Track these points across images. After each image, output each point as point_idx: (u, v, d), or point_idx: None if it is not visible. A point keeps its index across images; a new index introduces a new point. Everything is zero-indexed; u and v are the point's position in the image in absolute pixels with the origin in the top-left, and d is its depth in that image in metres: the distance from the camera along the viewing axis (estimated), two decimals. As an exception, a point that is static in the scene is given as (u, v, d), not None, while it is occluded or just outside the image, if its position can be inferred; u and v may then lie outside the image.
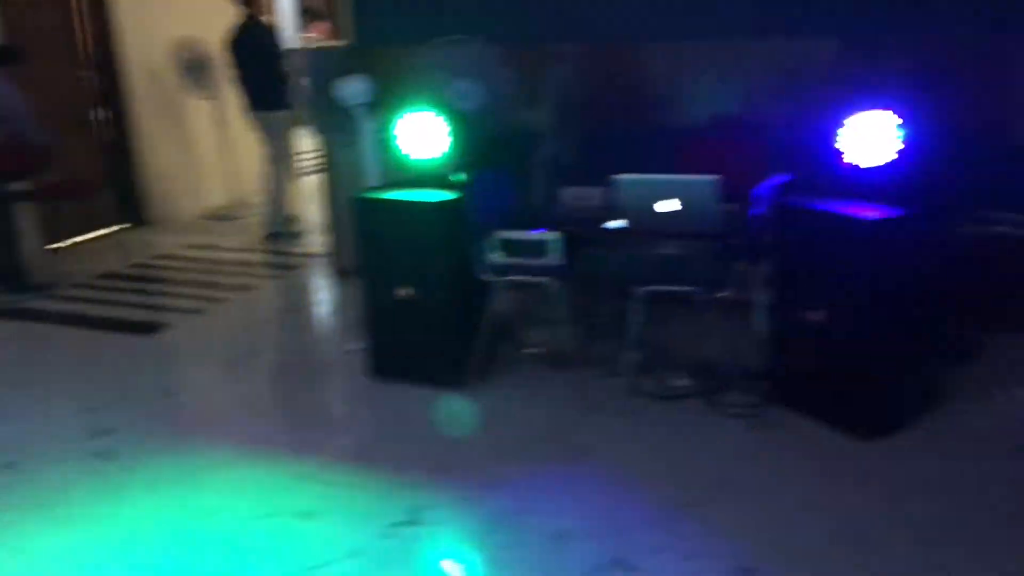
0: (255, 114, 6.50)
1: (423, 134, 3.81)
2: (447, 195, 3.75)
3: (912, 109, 3.10)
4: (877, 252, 3.09)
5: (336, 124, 4.25)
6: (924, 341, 3.37)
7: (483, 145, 3.93)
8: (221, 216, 7.37)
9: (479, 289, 3.84)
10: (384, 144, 4.06)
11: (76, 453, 3.51)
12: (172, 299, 5.49)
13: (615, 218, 3.54)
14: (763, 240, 3.32)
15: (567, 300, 3.64)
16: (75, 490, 3.24)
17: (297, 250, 6.45)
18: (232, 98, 7.17)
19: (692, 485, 3.09)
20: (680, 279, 3.41)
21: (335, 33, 5.78)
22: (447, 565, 2.78)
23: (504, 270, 3.64)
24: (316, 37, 9.20)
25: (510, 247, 3.59)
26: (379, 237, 3.83)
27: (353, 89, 4.01)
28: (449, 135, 3.79)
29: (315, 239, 6.48)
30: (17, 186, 5.63)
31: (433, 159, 3.84)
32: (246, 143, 7.21)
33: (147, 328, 4.96)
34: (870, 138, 3.23)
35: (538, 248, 3.53)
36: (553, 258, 3.52)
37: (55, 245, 6.45)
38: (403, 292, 3.80)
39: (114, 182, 6.98)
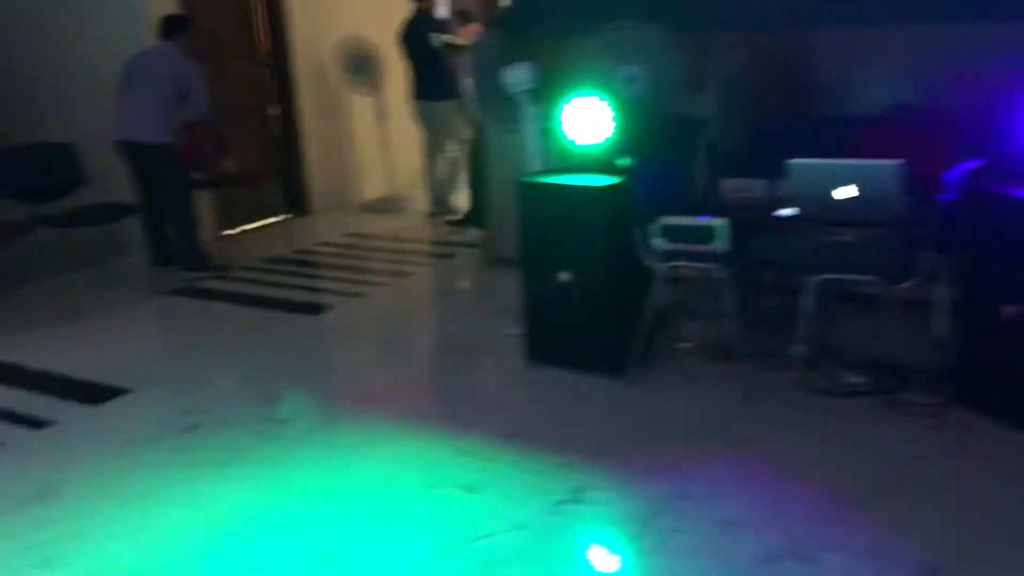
0: (420, 103, 6.74)
1: (588, 120, 3.82)
2: (610, 180, 3.74)
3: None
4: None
5: (500, 112, 4.30)
6: None
7: (647, 131, 3.89)
8: (379, 207, 7.61)
9: (640, 276, 3.80)
10: (548, 131, 4.09)
11: (251, 419, 3.70)
12: (333, 283, 5.71)
13: (785, 206, 3.43)
14: (953, 228, 3.13)
15: (731, 290, 3.54)
16: (250, 452, 3.41)
17: (454, 238, 6.57)
18: (392, 93, 7.42)
19: (866, 482, 2.95)
20: (858, 268, 3.26)
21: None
22: (613, 545, 2.76)
23: (668, 256, 3.59)
24: (468, 38, 9.42)
25: (674, 233, 3.54)
26: (541, 221, 3.85)
27: (519, 76, 4.06)
28: (613, 121, 3.77)
29: (470, 229, 6.61)
30: (197, 174, 6.01)
31: (597, 144, 3.83)
32: (405, 137, 7.43)
33: (311, 309, 5.18)
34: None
35: (704, 234, 3.46)
36: (719, 245, 3.44)
37: (227, 232, 6.83)
38: (563, 277, 3.81)
39: (280, 174, 7.33)
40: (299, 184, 7.47)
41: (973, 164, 3.21)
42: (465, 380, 4.14)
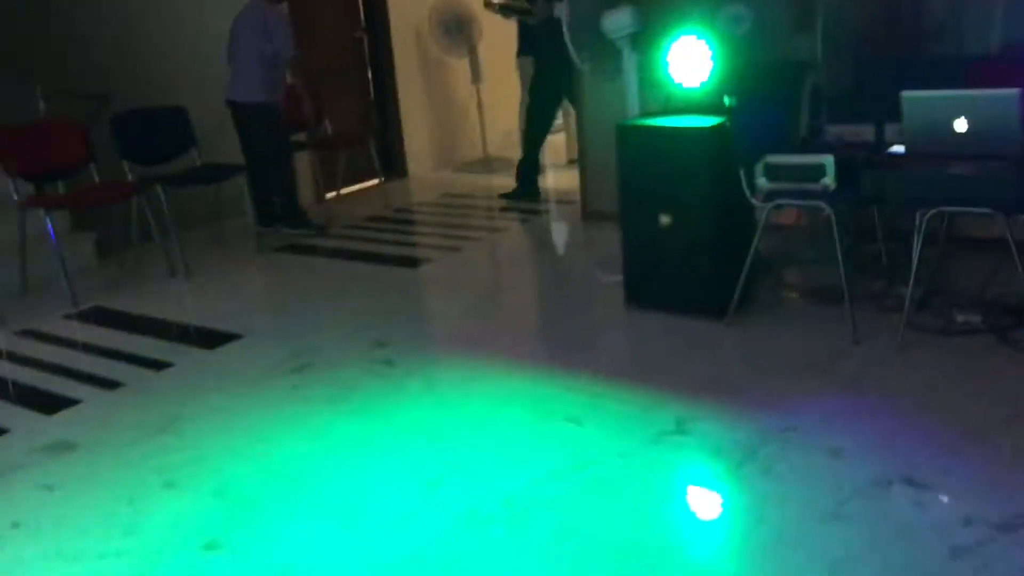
0: (518, 60, 6.83)
1: (691, 60, 3.79)
2: (713, 120, 3.71)
3: None
4: None
5: (600, 59, 4.29)
6: None
7: (752, 72, 3.84)
8: (476, 168, 7.70)
9: (742, 218, 3.76)
10: (649, 76, 4.07)
11: (359, 359, 3.82)
12: (431, 238, 5.81)
13: (899, 141, 3.35)
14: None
15: (839, 230, 3.48)
16: (360, 388, 3.53)
17: (546, 196, 6.60)
18: (487, 55, 7.47)
19: (979, 415, 2.88)
20: (975, 200, 3.16)
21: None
22: (718, 471, 2.77)
23: (774, 196, 3.54)
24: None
25: (780, 172, 3.49)
26: (641, 165, 3.84)
27: (620, 20, 4.04)
28: (716, 61, 3.74)
29: (564, 186, 6.63)
30: (296, 136, 6.19)
31: (700, 86, 3.80)
32: (500, 98, 7.48)
33: (411, 262, 5.30)
34: None
35: (811, 172, 3.40)
36: (827, 182, 3.38)
37: (328, 194, 7.02)
38: (664, 219, 3.80)
39: (378, 138, 7.48)
40: (396, 147, 7.60)
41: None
42: (566, 324, 4.18)
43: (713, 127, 3.67)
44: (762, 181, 3.53)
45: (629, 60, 4.14)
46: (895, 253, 3.96)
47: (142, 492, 2.86)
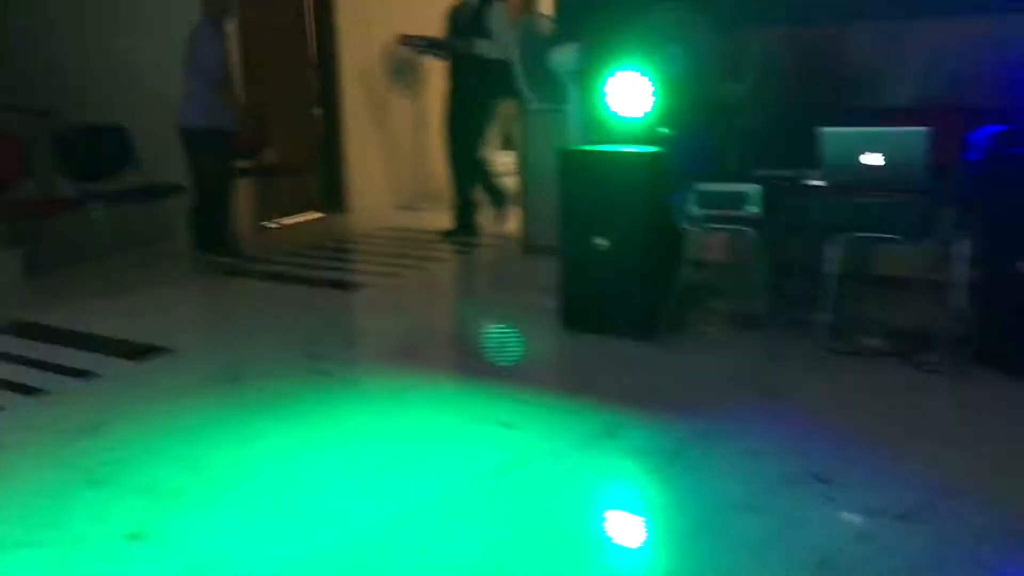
0: None
1: (630, 93, 4.00)
2: (649, 148, 3.91)
3: None
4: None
5: (546, 91, 4.49)
6: None
7: (687, 109, 4.06)
8: (418, 206, 7.82)
9: (675, 243, 3.94)
10: (590, 106, 4.26)
11: (295, 370, 3.84)
12: (370, 266, 5.88)
13: (817, 174, 3.58)
14: (976, 186, 3.27)
15: (763, 259, 3.69)
16: (295, 397, 3.54)
17: (486, 230, 6.71)
18: (432, 96, 7.66)
19: (884, 422, 3.10)
20: (883, 227, 3.40)
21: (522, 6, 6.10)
22: (643, 470, 2.87)
23: (702, 221, 3.73)
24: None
25: (710, 199, 3.69)
26: (581, 189, 4.01)
27: (565, 56, 4.24)
28: (654, 95, 3.95)
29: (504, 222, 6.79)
30: (239, 163, 6.21)
31: (638, 117, 4.01)
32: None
33: (348, 286, 5.36)
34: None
35: (737, 199, 3.61)
36: (752, 209, 3.59)
37: (267, 223, 7.05)
38: (602, 243, 3.95)
39: (322, 171, 7.57)
40: (339, 182, 7.70)
41: (998, 127, 3.35)
42: (501, 340, 4.28)
43: (650, 154, 3.87)
44: (693, 208, 3.72)
45: (573, 93, 4.34)
46: (812, 285, 4.19)
47: (66, 488, 2.80)
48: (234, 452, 3.07)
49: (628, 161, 3.91)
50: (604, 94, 4.03)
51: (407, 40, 6.59)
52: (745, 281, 3.84)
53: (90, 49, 5.95)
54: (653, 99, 3.95)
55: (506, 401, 3.41)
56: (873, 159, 3.36)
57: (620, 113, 4.03)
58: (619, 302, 4.00)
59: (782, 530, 2.43)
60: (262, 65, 6.88)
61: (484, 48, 5.69)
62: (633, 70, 3.98)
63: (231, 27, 5.84)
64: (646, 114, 3.99)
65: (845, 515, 2.51)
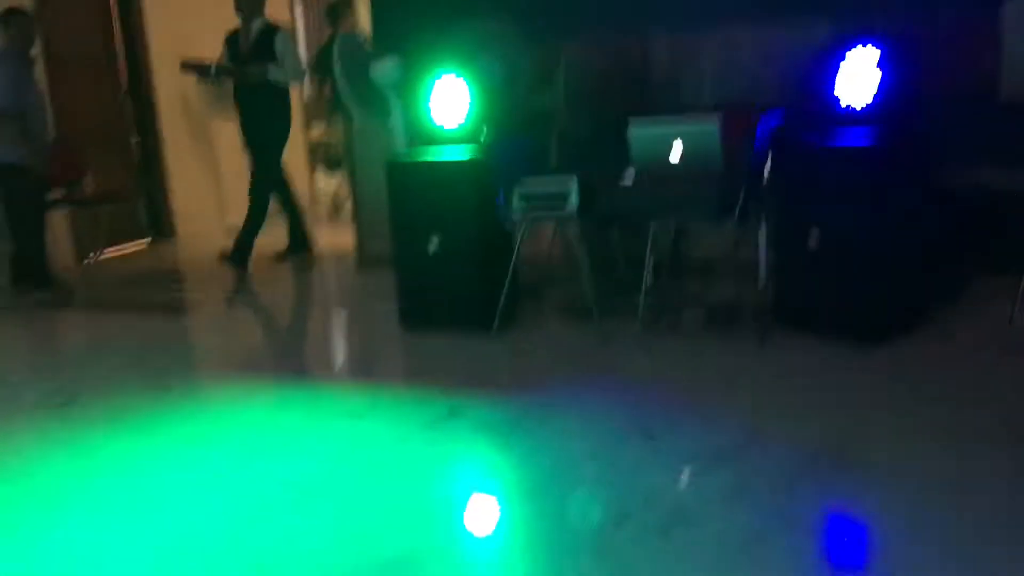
0: None
1: (450, 102, 4.21)
2: (470, 152, 4.13)
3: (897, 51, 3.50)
4: (866, 175, 3.46)
5: (370, 102, 4.63)
6: (913, 265, 3.70)
7: (506, 116, 4.32)
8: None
9: (504, 241, 4.17)
10: (413, 117, 4.45)
11: (133, 388, 3.79)
12: (201, 290, 5.80)
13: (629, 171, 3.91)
14: (763, 172, 3.69)
15: (586, 250, 3.99)
16: (135, 411, 3.50)
17: (321, 249, 6.74)
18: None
19: (701, 385, 3.44)
20: (686, 212, 3.76)
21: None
22: (488, 442, 3.06)
23: (526, 216, 3.99)
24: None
25: (532, 195, 3.94)
26: (410, 195, 4.17)
27: (386, 68, 4.41)
28: (472, 102, 4.19)
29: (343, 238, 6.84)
30: (54, 193, 5.97)
31: (458, 125, 4.23)
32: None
33: (181, 309, 5.31)
34: (858, 76, 3.66)
35: (556, 195, 3.89)
36: (571, 202, 3.87)
37: (90, 255, 6.78)
38: (433, 245, 4.13)
39: (146, 199, 7.36)
40: (163, 207, 7.51)
41: (777, 116, 3.80)
42: (343, 346, 4.38)
43: (471, 159, 4.09)
44: (517, 204, 3.97)
45: (395, 104, 4.51)
46: (634, 273, 4.55)
47: None
48: (66, 465, 3.03)
49: (451, 167, 4.12)
50: (426, 104, 4.22)
51: (191, 65, 6.14)
52: (577, 274, 4.12)
53: None
54: (472, 107, 4.18)
55: (351, 396, 3.52)
56: (675, 151, 3.72)
57: (441, 122, 4.24)
58: (454, 299, 4.19)
59: (611, 477, 2.68)
60: (73, 96, 6.66)
61: (276, 74, 5.59)
62: (452, 80, 4.20)
63: (35, 58, 5.63)
64: (466, 122, 4.22)
65: (666, 460, 2.78)
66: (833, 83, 3.82)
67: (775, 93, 4.51)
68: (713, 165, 3.67)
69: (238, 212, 7.83)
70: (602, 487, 2.62)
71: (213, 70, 5.92)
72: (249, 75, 5.68)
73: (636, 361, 3.76)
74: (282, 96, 5.77)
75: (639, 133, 3.79)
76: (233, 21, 5.81)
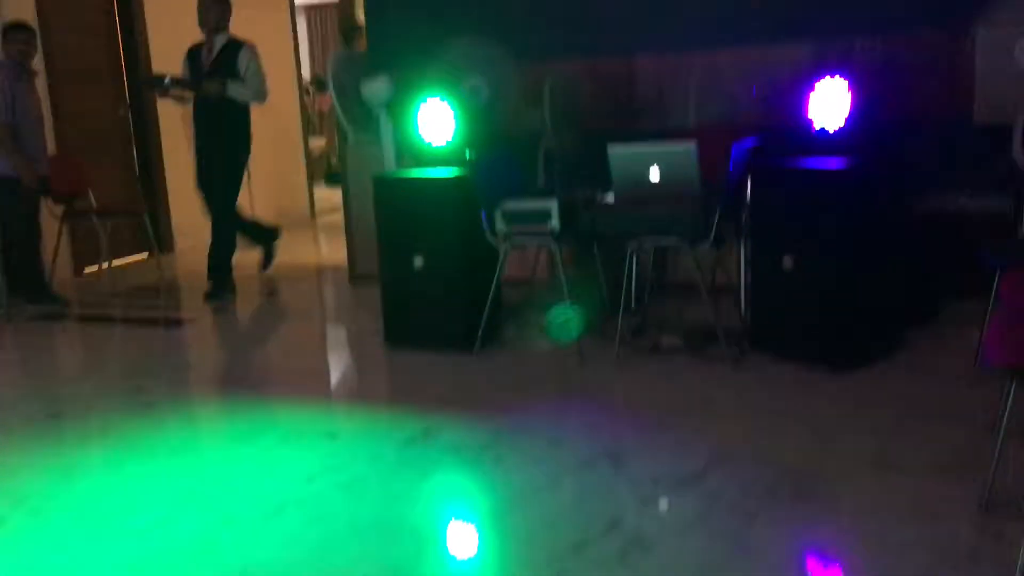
0: None
1: (437, 121, 4.28)
2: (456, 171, 4.19)
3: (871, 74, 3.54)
4: (840, 198, 3.50)
5: (362, 120, 4.70)
6: (886, 289, 3.72)
7: (492, 135, 4.38)
8: (242, 243, 7.77)
9: (488, 260, 4.22)
10: (402, 135, 4.51)
11: (118, 404, 3.84)
12: (195, 304, 5.85)
13: (608, 188, 3.96)
14: (739, 195, 3.73)
15: (564, 269, 4.03)
16: (120, 427, 3.57)
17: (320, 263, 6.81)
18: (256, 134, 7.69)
19: (672, 409, 3.47)
20: (666, 233, 3.80)
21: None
22: (458, 464, 3.10)
23: (509, 236, 4.04)
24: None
25: (515, 216, 3.99)
26: (396, 212, 4.23)
27: (377, 87, 4.47)
28: (459, 122, 4.25)
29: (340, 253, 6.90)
30: (56, 208, 6.07)
31: (445, 143, 4.29)
32: (269, 175, 7.70)
33: (173, 323, 5.37)
34: (831, 101, 3.70)
35: (540, 215, 3.94)
36: (552, 223, 3.92)
37: (89, 267, 6.87)
38: (418, 262, 4.18)
39: (144, 212, 7.44)
40: (163, 221, 7.60)
41: (752, 141, 3.84)
42: (326, 363, 4.43)
43: (456, 177, 4.15)
44: (500, 224, 4.02)
45: (385, 122, 4.57)
46: (618, 294, 4.59)
47: None
48: (56, 480, 3.09)
49: (437, 185, 4.17)
50: (415, 123, 4.29)
51: (147, 79, 5.98)
52: (559, 294, 4.17)
53: None
54: (458, 126, 4.24)
55: (329, 415, 3.58)
56: (653, 174, 3.76)
57: (429, 140, 4.30)
58: (436, 317, 4.24)
59: (577, 503, 2.72)
60: (76, 110, 6.78)
61: (235, 91, 5.34)
62: (440, 100, 4.26)
63: (36, 72, 5.72)
64: (452, 140, 4.28)
65: (631, 485, 2.81)
66: (807, 107, 3.87)
67: (756, 116, 4.58)
68: (690, 188, 3.72)
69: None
70: (560, 516, 2.65)
71: (167, 82, 5.64)
72: (206, 89, 5.42)
73: (610, 383, 3.80)
74: (243, 115, 5.54)
75: (619, 155, 3.83)
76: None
